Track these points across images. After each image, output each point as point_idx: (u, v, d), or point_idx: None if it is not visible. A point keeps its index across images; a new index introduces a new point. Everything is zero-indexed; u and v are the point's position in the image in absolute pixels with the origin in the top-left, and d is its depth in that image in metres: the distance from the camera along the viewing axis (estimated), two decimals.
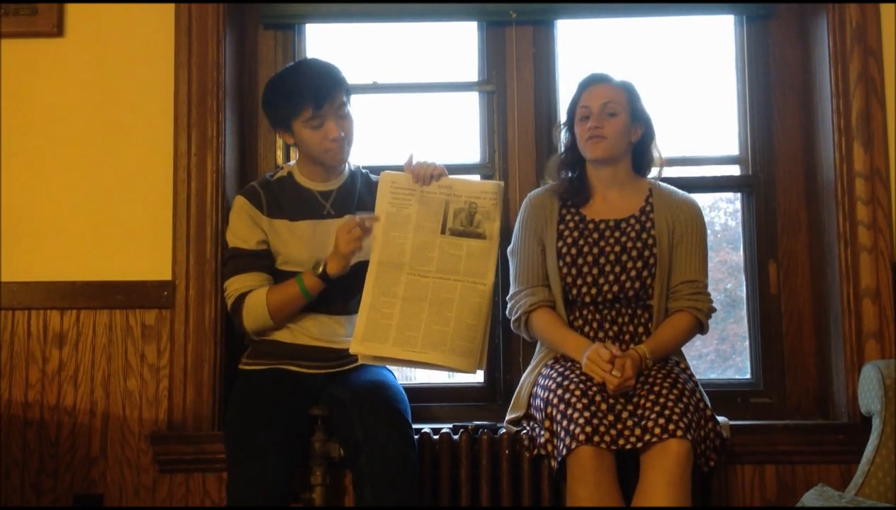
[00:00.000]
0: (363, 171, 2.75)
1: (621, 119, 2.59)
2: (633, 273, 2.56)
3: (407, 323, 2.50)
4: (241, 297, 2.57)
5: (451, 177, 2.59)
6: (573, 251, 2.59)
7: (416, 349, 2.49)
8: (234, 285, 2.60)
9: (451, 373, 2.98)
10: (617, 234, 2.60)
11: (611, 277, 2.56)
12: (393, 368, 2.72)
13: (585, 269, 2.58)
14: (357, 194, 2.68)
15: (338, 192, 2.67)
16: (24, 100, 2.84)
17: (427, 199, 2.56)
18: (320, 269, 2.50)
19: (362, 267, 2.54)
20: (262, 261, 2.61)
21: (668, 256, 2.59)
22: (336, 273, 2.50)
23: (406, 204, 2.55)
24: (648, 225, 2.61)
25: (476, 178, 2.99)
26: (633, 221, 2.62)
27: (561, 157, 2.71)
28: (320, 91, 2.55)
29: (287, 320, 2.59)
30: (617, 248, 2.58)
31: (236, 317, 2.60)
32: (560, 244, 2.61)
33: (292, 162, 2.75)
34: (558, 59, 3.06)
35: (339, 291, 2.58)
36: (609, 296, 2.56)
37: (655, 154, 2.68)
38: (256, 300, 2.55)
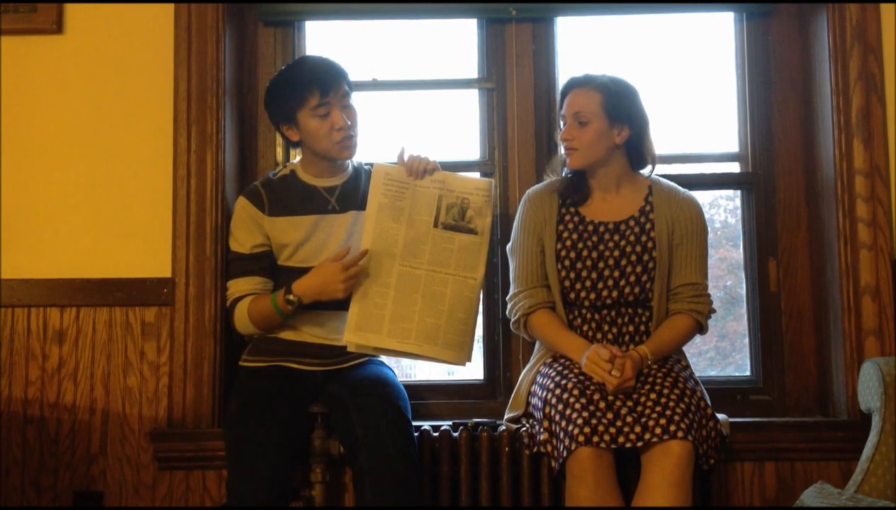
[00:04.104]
0: (366, 167, 2.75)
1: (593, 127, 2.55)
2: (632, 278, 2.56)
3: (400, 314, 2.52)
4: (234, 303, 2.62)
5: (443, 172, 2.61)
6: (572, 254, 2.59)
7: (409, 341, 2.52)
8: (231, 289, 2.65)
9: (451, 371, 2.99)
10: (616, 237, 2.59)
11: (609, 282, 2.56)
12: (391, 364, 2.73)
13: (584, 274, 2.57)
14: (361, 190, 2.68)
15: (342, 187, 2.67)
16: (24, 97, 2.84)
17: (420, 192, 2.58)
18: (292, 297, 2.50)
19: None
20: (258, 263, 2.63)
21: (668, 257, 2.59)
22: (308, 301, 2.51)
23: (399, 196, 2.56)
24: (648, 226, 2.60)
25: (476, 175, 2.99)
26: (632, 223, 2.61)
27: (561, 156, 2.69)
28: (326, 79, 2.57)
29: (274, 329, 2.61)
30: (616, 253, 2.58)
31: (231, 320, 2.65)
32: (559, 246, 2.60)
33: (295, 160, 2.75)
34: (558, 56, 3.06)
35: None
36: (608, 301, 2.56)
37: (652, 150, 2.64)
38: (241, 310, 2.60)
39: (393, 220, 2.55)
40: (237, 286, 2.63)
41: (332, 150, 2.61)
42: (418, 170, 2.58)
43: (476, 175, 2.99)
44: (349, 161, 2.72)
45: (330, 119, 2.57)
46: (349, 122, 2.58)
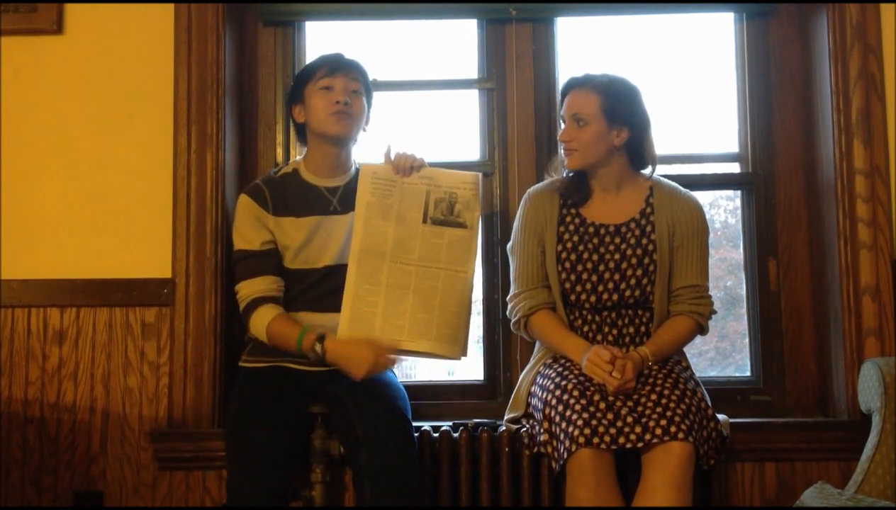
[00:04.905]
0: None
1: (592, 128, 2.54)
2: (632, 281, 2.55)
3: (392, 311, 2.53)
4: (252, 305, 2.56)
5: (430, 168, 2.62)
6: (573, 257, 2.59)
7: (402, 337, 2.52)
8: (245, 290, 2.59)
9: (451, 371, 2.99)
10: (617, 240, 2.59)
11: (610, 285, 2.55)
12: None
13: (585, 276, 2.57)
14: None
15: (344, 188, 2.67)
16: (24, 97, 2.84)
17: (408, 189, 2.59)
18: (319, 349, 2.47)
19: None
20: (268, 260, 2.60)
21: (669, 259, 2.58)
22: (330, 360, 2.48)
23: (387, 194, 2.58)
24: (648, 229, 2.60)
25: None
26: (633, 226, 2.60)
27: (561, 156, 2.68)
28: (338, 61, 2.65)
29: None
30: (617, 256, 2.57)
31: (245, 322, 2.60)
32: (560, 248, 2.60)
33: (298, 158, 2.75)
34: (558, 56, 3.06)
35: (339, 288, 2.57)
36: (609, 303, 2.55)
37: (653, 151, 2.63)
38: (260, 323, 2.54)
39: (382, 219, 2.56)
40: (252, 286, 2.57)
41: (326, 123, 2.60)
42: (405, 167, 2.60)
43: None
44: (353, 163, 2.72)
45: (332, 93, 2.60)
46: (348, 101, 2.59)
